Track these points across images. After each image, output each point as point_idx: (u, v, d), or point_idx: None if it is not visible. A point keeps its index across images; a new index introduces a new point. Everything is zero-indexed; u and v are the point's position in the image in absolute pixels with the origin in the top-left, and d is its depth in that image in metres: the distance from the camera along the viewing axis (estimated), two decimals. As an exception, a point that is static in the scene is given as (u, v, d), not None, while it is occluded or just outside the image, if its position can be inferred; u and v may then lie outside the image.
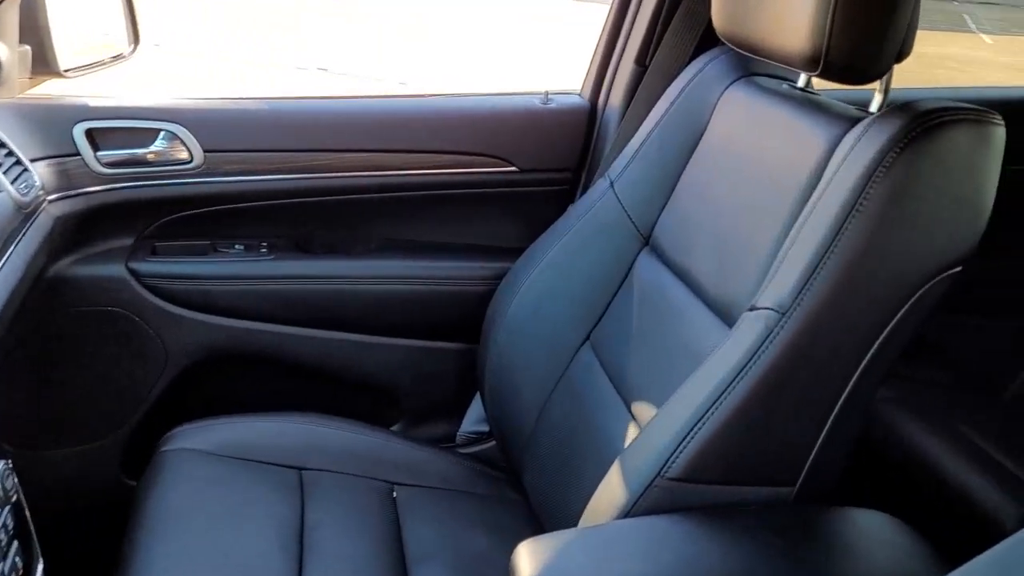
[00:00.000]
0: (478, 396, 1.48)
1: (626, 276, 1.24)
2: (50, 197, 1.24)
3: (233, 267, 1.38)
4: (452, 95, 1.51)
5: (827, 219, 0.85)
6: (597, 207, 1.27)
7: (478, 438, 1.47)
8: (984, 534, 1.19)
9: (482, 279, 1.44)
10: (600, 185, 1.29)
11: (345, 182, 1.39)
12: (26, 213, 1.14)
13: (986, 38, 7.68)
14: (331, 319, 1.43)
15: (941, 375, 1.62)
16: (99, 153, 1.30)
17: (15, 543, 0.88)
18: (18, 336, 1.29)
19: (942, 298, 0.88)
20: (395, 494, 1.29)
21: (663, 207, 1.21)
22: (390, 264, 1.44)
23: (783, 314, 0.84)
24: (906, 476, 1.32)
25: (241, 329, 1.40)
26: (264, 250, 1.41)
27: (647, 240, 1.23)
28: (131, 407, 1.40)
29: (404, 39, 6.75)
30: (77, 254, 1.33)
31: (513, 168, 1.43)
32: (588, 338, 1.26)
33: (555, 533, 0.82)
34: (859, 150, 0.85)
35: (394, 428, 1.51)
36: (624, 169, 1.25)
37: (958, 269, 0.88)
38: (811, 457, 0.89)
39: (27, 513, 0.89)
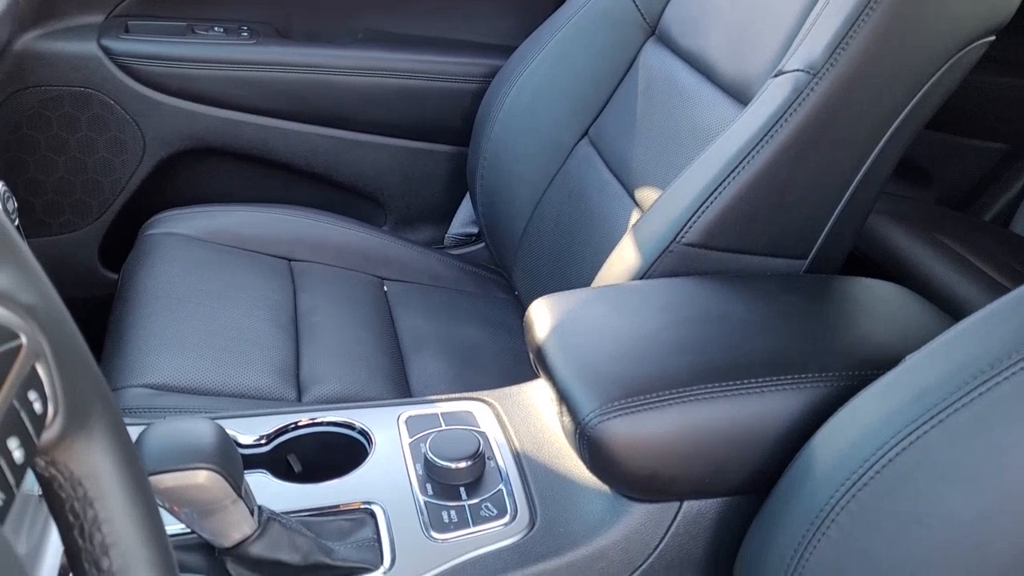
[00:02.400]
0: (467, 199, 1.45)
1: (629, 67, 1.20)
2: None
3: (213, 50, 1.30)
4: None
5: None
6: None
7: (467, 240, 1.45)
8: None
9: (475, 77, 1.39)
10: (603, -29, 1.23)
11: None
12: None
13: None
14: (316, 112, 1.37)
15: (923, 194, 1.64)
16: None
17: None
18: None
19: (970, 69, 0.86)
20: (385, 288, 1.28)
21: (672, -8, 1.16)
22: (377, 55, 1.37)
23: (814, 75, 0.82)
24: (891, 279, 1.35)
25: (223, 119, 1.33)
26: (245, 34, 1.33)
27: (653, 30, 1.18)
28: (108, 197, 1.34)
29: None
30: (45, 27, 1.24)
31: (513, -45, 1.36)
32: (587, 133, 1.23)
33: (570, 291, 0.81)
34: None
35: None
36: None
37: (991, 38, 0.86)
38: (825, 230, 0.89)
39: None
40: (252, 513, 0.64)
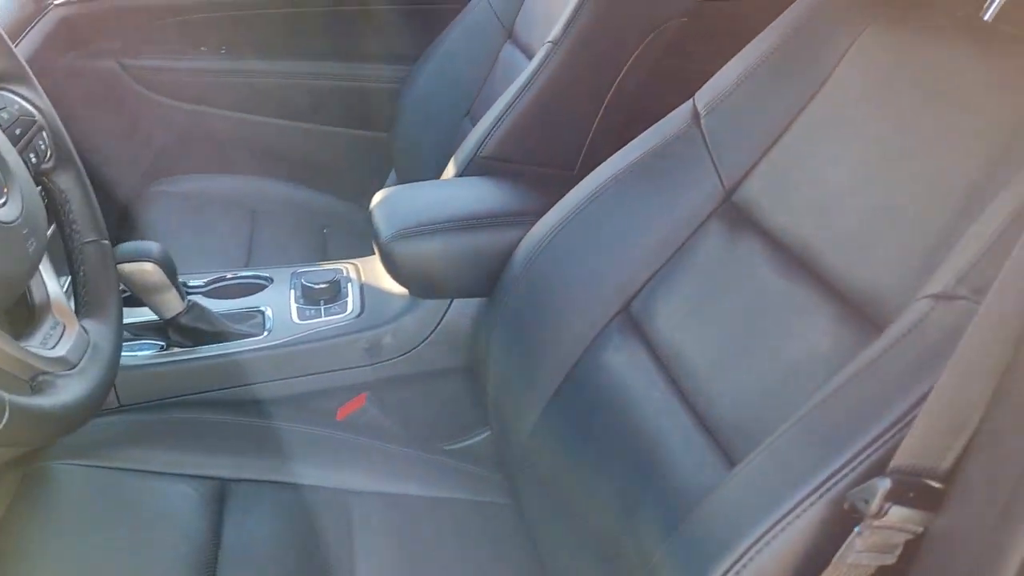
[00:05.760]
0: (393, 174, 1.90)
1: (495, 61, 1.65)
2: (56, 2, 1.65)
3: (200, 63, 1.80)
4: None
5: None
6: None
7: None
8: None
9: (392, 79, 1.85)
10: None
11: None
12: (38, 12, 1.55)
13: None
14: (276, 109, 1.85)
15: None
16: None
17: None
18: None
19: (672, 38, 1.30)
20: (325, 231, 1.73)
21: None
22: (320, 65, 1.85)
23: (555, 44, 1.26)
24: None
25: (209, 114, 1.82)
26: (223, 52, 1.82)
27: (510, 34, 1.64)
28: (128, 170, 1.82)
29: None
30: (78, 51, 1.74)
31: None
32: (468, 112, 1.68)
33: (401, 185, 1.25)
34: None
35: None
36: None
37: (684, 19, 1.29)
38: (584, 149, 1.32)
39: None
40: (183, 299, 1.08)
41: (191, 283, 1.23)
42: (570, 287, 1.00)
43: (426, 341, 1.14)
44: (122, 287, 1.08)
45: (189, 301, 1.09)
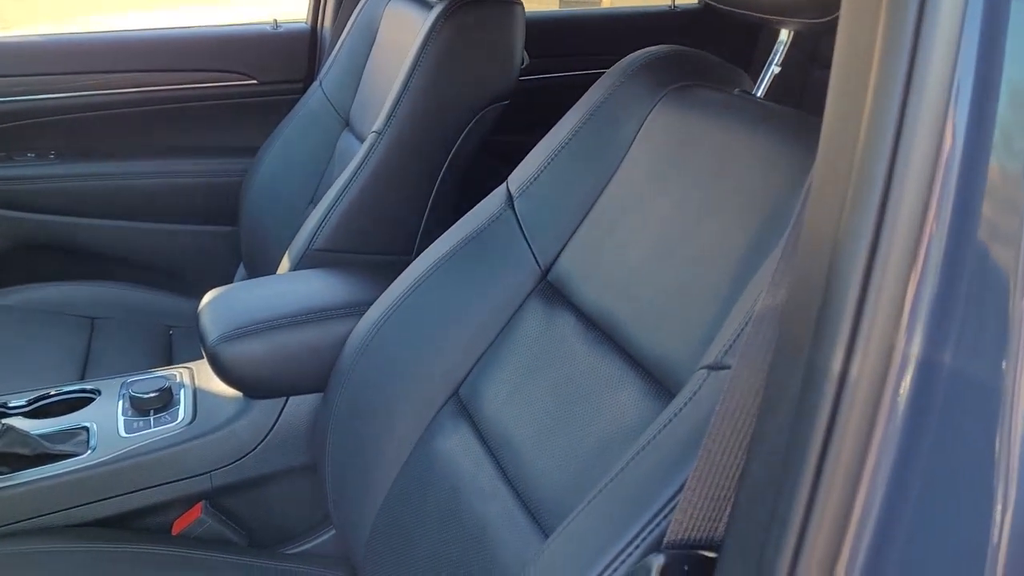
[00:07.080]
0: (241, 267, 1.87)
1: (334, 149, 1.66)
2: None
3: (27, 170, 1.73)
4: (204, 26, 1.89)
5: (405, 68, 1.29)
6: None
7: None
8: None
9: (233, 173, 1.83)
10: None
11: (118, 98, 1.76)
12: None
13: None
14: (114, 210, 1.80)
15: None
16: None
17: None
18: None
19: (493, 122, 1.34)
20: (171, 332, 1.68)
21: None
22: (157, 163, 1.81)
23: (379, 134, 1.28)
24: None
25: (40, 221, 1.75)
26: (52, 157, 1.76)
27: (347, 122, 1.66)
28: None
29: None
30: None
31: (254, 81, 1.83)
32: (312, 200, 1.68)
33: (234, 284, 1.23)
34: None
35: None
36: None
37: (505, 102, 1.34)
38: (418, 235, 1.34)
39: None
40: (-5, 424, 1.02)
41: (11, 404, 1.16)
42: (400, 376, 1.00)
43: (262, 443, 1.11)
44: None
45: (3, 425, 1.03)
